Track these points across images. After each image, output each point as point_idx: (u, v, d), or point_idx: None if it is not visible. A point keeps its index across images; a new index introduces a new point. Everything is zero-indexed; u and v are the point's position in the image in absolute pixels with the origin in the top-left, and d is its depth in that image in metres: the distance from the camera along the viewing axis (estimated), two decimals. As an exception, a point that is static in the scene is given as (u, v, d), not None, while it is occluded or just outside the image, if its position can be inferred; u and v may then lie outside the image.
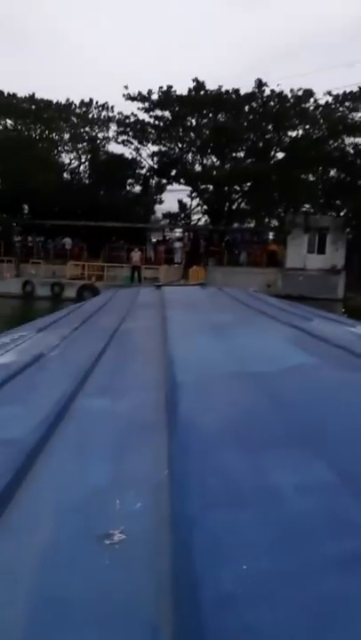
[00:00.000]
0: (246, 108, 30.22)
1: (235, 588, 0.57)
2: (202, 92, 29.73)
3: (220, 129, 28.87)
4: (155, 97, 30.48)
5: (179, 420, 1.12)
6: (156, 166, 33.18)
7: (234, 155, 30.10)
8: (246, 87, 29.50)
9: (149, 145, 33.05)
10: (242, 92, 29.76)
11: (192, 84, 30.00)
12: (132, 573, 0.61)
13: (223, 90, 29.79)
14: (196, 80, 29.79)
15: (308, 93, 29.16)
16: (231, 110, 29.86)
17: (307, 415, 1.17)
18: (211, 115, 30.32)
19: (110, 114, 34.90)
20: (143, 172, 34.43)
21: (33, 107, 32.78)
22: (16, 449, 0.98)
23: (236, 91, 29.94)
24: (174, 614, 0.54)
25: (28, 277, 22.61)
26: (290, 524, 0.71)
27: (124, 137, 33.08)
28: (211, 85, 30.19)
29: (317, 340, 2.14)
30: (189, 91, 29.98)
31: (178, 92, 30.36)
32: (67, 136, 35.31)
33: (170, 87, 30.12)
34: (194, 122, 31.11)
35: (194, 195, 36.30)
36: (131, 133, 32.71)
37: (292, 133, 29.99)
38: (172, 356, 1.76)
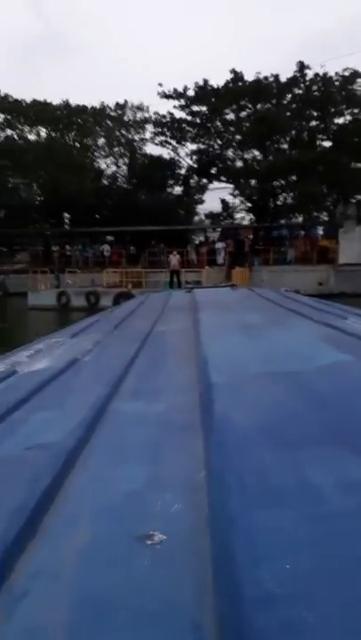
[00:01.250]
0: (288, 95, 29.33)
1: (277, 587, 0.58)
2: (240, 84, 29.01)
3: (260, 120, 28.13)
4: (190, 93, 29.98)
5: (214, 420, 1.15)
6: (195, 165, 32.74)
7: (276, 146, 29.10)
8: (287, 73, 28.56)
9: (188, 144, 32.66)
10: (282, 79, 28.75)
11: (229, 76, 29.31)
12: (173, 573, 0.64)
13: (262, 76, 28.85)
14: (233, 71, 29.18)
15: (356, 74, 27.92)
16: (272, 99, 29.06)
17: (344, 413, 1.19)
18: (250, 105, 29.51)
19: (146, 115, 34.89)
20: (182, 172, 34.05)
21: (66, 112, 33.15)
22: (55, 452, 1.03)
23: (276, 77, 29.03)
24: (216, 613, 0.56)
25: (63, 288, 22.58)
26: (331, 522, 0.72)
27: (162, 137, 32.89)
28: (249, 76, 29.44)
29: (353, 338, 2.13)
30: (226, 83, 29.39)
31: (215, 86, 29.77)
32: (102, 140, 35.55)
33: (206, 81, 29.66)
34: (233, 116, 30.39)
35: (236, 192, 35.64)
36: (168, 133, 32.54)
37: (339, 120, 29.19)
38: (204, 357, 1.81)
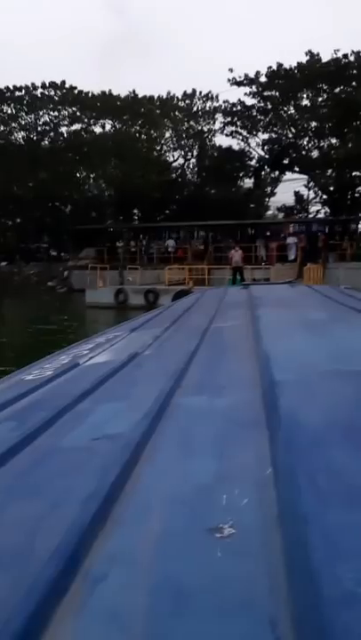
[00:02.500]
0: None
1: (355, 585, 0.58)
2: (317, 66, 27.85)
3: (339, 103, 26.77)
4: (263, 79, 29.19)
5: (280, 416, 1.15)
6: (267, 156, 31.95)
7: (356, 134, 27.60)
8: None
9: (259, 134, 31.89)
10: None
11: (304, 59, 28.23)
12: (246, 566, 0.65)
13: (341, 55, 27.54)
14: (309, 52, 28.06)
15: None
16: (351, 81, 27.52)
17: None
18: (327, 88, 28.22)
19: (215, 104, 34.49)
20: (253, 163, 33.40)
21: (131, 103, 33.42)
22: (122, 443, 1.08)
23: (358, 54, 27.48)
24: (293, 609, 0.57)
25: (121, 285, 22.64)
26: None
27: (232, 128, 32.32)
28: (326, 57, 28.21)
29: None
30: (300, 64, 28.29)
31: (288, 68, 28.79)
32: (169, 132, 35.60)
33: (280, 65, 28.73)
34: (308, 102, 29.22)
35: (311, 184, 34.51)
36: (238, 123, 31.89)
37: None
38: (266, 353, 1.82)
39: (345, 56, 28.49)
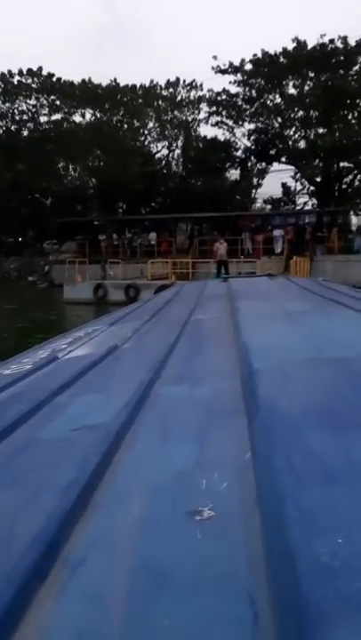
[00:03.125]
0: (359, 59, 27.79)
1: (331, 559, 0.61)
2: (304, 53, 27.85)
3: (326, 90, 26.80)
4: (248, 67, 29.12)
5: (259, 403, 1.20)
6: (253, 146, 31.96)
7: (343, 124, 27.69)
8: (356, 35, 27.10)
9: (245, 124, 31.86)
10: (352, 42, 27.57)
11: (291, 46, 28.21)
12: (225, 546, 0.69)
13: (327, 40, 27.67)
14: (295, 39, 28.04)
15: None
16: (338, 68, 27.52)
17: None
18: (313, 75, 28.23)
19: (200, 93, 34.40)
20: (239, 154, 33.41)
21: (111, 91, 33.16)
22: (101, 433, 1.11)
23: (345, 39, 27.49)
24: (270, 584, 0.61)
25: (100, 280, 22.46)
26: None
27: (217, 118, 32.22)
28: (313, 43, 28.18)
29: None
30: (285, 49, 28.18)
31: (273, 53, 28.67)
32: (152, 123, 35.42)
33: (266, 53, 28.66)
34: (294, 90, 29.25)
35: (298, 176, 34.66)
36: (224, 113, 31.82)
37: None
38: (245, 343, 1.88)
39: (331, 41, 28.41)
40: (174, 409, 1.32)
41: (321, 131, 29.67)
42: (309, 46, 28.72)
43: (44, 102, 34.05)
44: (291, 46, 28.90)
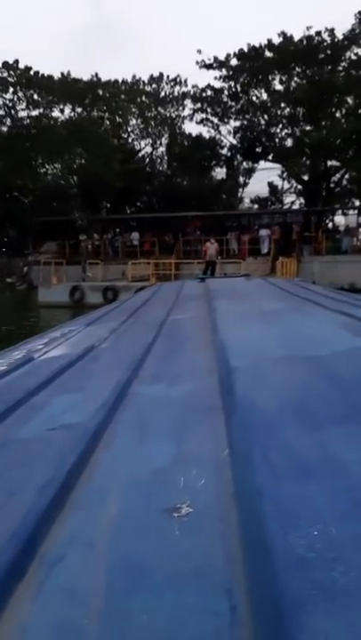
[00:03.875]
0: (347, 53, 27.93)
1: (306, 551, 0.64)
2: (292, 48, 27.95)
3: (312, 85, 26.88)
4: (234, 62, 29.21)
5: (236, 401, 1.24)
6: (238, 144, 32.12)
7: (329, 122, 27.87)
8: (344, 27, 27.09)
9: (230, 121, 31.95)
10: (339, 34, 27.60)
11: (277, 41, 28.32)
12: (202, 541, 0.71)
13: (313, 32, 27.82)
14: (282, 34, 28.18)
15: None
16: (326, 63, 27.63)
17: None
18: (299, 70, 28.34)
19: (184, 89, 34.42)
20: (224, 151, 33.55)
21: (91, 86, 32.95)
22: (79, 432, 1.13)
23: (332, 31, 27.70)
24: (247, 577, 0.63)
25: (77, 282, 22.24)
26: (357, 493, 0.79)
27: (202, 115, 32.27)
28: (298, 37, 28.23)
29: None
30: (269, 42, 28.19)
31: (258, 45, 28.70)
32: (136, 120, 35.32)
33: (253, 47, 28.74)
34: (280, 86, 29.43)
35: (285, 175, 34.90)
36: (209, 110, 31.89)
37: None
38: (222, 342, 1.94)
39: (318, 33, 28.44)
40: (152, 407, 1.35)
41: (308, 128, 29.86)
42: (296, 39, 28.77)
43: (22, 96, 33.71)
44: (277, 40, 28.98)
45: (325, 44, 28.47)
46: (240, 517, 0.76)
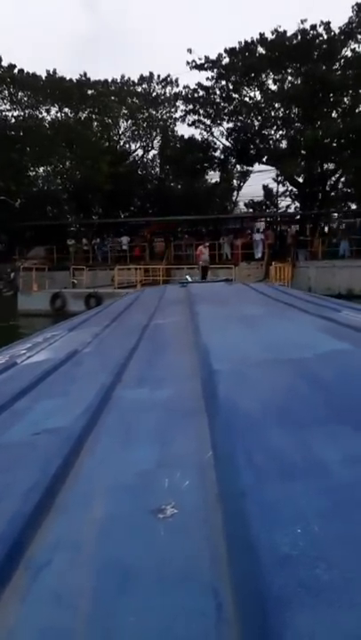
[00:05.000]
0: (343, 50, 27.11)
1: (291, 549, 0.66)
2: (286, 44, 26.98)
3: (306, 84, 25.89)
4: (225, 62, 28.28)
5: (219, 404, 1.26)
6: (231, 146, 31.25)
7: (324, 122, 26.89)
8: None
9: (223, 123, 31.10)
10: (335, 28, 26.72)
11: (270, 36, 27.38)
12: (188, 542, 0.73)
13: (308, 26, 26.91)
14: (275, 31, 27.26)
15: None
16: (320, 58, 26.61)
17: (346, 395, 1.32)
18: (294, 69, 27.39)
19: (175, 89, 33.52)
20: (217, 154, 32.69)
21: (79, 85, 32.10)
22: (63, 436, 1.14)
23: (328, 25, 26.79)
24: (233, 576, 0.64)
25: (59, 289, 21.21)
26: (339, 493, 0.82)
27: (195, 116, 31.37)
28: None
29: (349, 329, 2.34)
30: (261, 35, 27.25)
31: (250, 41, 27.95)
32: (127, 122, 34.43)
33: (245, 42, 27.73)
34: (274, 86, 28.50)
35: (280, 178, 34.12)
36: (201, 111, 31.00)
37: None
38: (204, 346, 1.98)
39: (313, 27, 27.43)
40: (136, 411, 1.36)
41: (303, 127, 28.83)
42: (290, 34, 27.85)
43: (6, 95, 32.56)
44: (270, 36, 28.12)
45: (321, 38, 27.44)
46: (225, 517, 0.77)
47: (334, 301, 4.14)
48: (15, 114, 33.25)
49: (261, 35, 28.04)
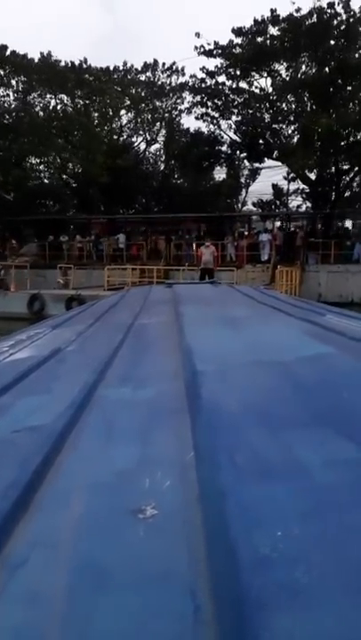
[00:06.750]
0: None
1: (270, 551, 0.67)
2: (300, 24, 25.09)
3: (322, 68, 23.85)
4: (236, 41, 26.34)
5: (201, 404, 1.29)
6: (240, 139, 29.40)
7: (342, 107, 24.89)
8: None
9: (232, 116, 29.26)
10: (355, 6, 25.20)
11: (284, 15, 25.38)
12: (166, 543, 0.74)
13: (325, 3, 25.37)
14: (289, 15, 25.24)
15: None
16: (338, 39, 24.52)
17: (327, 398, 1.35)
18: (307, 53, 25.44)
19: (181, 79, 31.69)
20: (224, 148, 30.92)
21: (80, 73, 30.35)
22: (43, 434, 1.16)
23: (347, 3, 25.20)
24: (212, 577, 0.66)
25: (37, 291, 19.37)
26: (319, 494, 0.84)
27: (202, 109, 29.50)
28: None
29: (333, 333, 2.40)
30: (274, 16, 25.26)
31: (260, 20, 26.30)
32: (129, 113, 32.64)
33: (257, 22, 25.68)
34: (287, 74, 26.54)
35: (291, 175, 32.34)
36: (209, 103, 29.13)
37: None
38: (188, 347, 2.02)
39: (330, 5, 25.66)
40: (118, 410, 1.39)
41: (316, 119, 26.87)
42: (304, 12, 26.16)
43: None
44: (282, 14, 26.35)
45: (339, 18, 25.42)
46: (204, 518, 0.78)
47: (319, 305, 4.39)
48: (5, 98, 31.54)
49: (273, 11, 26.19)
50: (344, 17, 25.81)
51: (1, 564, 0.70)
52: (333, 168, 28.96)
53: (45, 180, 33.94)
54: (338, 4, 25.84)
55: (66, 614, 0.61)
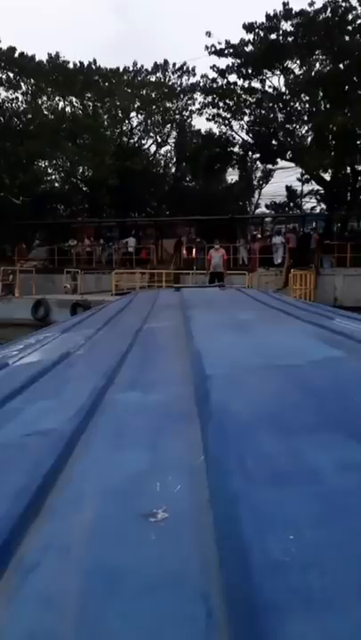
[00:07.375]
0: None
1: (282, 555, 0.68)
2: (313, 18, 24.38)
3: (337, 63, 23.04)
4: (249, 48, 25.76)
5: (211, 408, 1.29)
6: (252, 140, 28.76)
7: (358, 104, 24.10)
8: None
9: (245, 117, 28.59)
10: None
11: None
12: (178, 547, 0.74)
13: None
14: (299, 14, 24.66)
15: None
16: (354, 33, 23.72)
17: (338, 402, 1.36)
18: (321, 50, 24.73)
19: (192, 80, 31.15)
20: (235, 149, 30.27)
21: (88, 75, 29.87)
22: (54, 438, 1.16)
23: None
24: (223, 581, 0.66)
25: (42, 296, 18.75)
26: (330, 499, 0.84)
27: (213, 110, 28.89)
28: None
29: (341, 337, 2.41)
30: (286, 10, 24.53)
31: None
32: (140, 115, 32.18)
33: (267, 16, 24.96)
34: (300, 71, 25.85)
35: (305, 177, 31.60)
36: (221, 104, 28.50)
37: None
38: (197, 351, 2.03)
39: None
40: (128, 414, 1.39)
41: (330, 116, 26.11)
42: (318, 6, 25.24)
43: (4, 79, 30.67)
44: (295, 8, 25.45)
45: (354, 12, 24.67)
46: (215, 522, 0.78)
47: (327, 308, 4.40)
48: (13, 100, 31.20)
49: (285, 5, 25.44)
50: (360, 11, 25.24)
51: (14, 567, 0.70)
52: (349, 168, 28.37)
53: (56, 184, 34.00)
54: None
55: (78, 617, 0.61)
